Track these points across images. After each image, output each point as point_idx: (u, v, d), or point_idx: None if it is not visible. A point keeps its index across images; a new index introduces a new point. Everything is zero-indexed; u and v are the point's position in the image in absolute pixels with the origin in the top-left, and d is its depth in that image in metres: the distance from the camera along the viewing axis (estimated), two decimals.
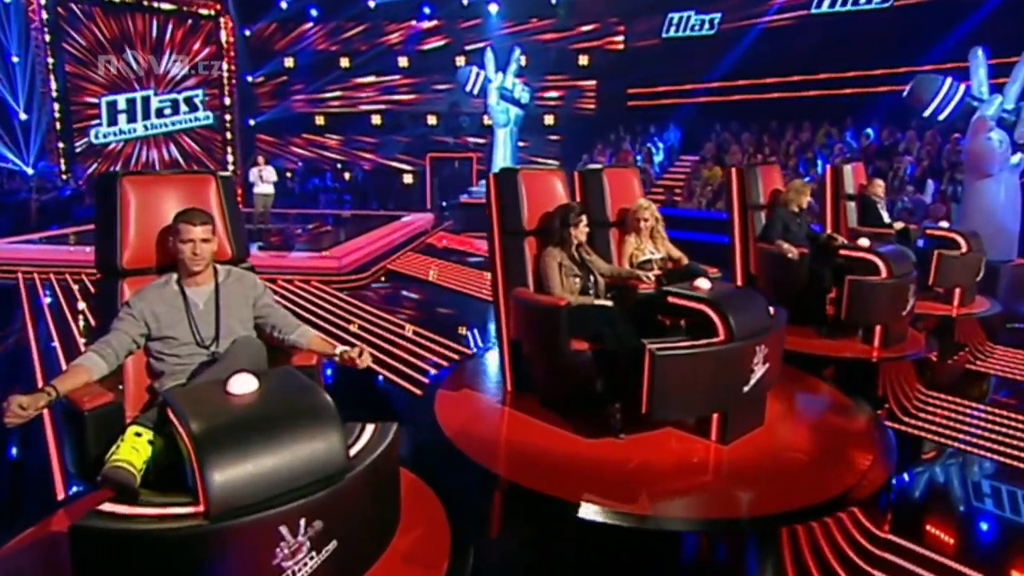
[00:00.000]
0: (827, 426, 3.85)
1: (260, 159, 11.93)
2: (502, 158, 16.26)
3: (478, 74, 15.83)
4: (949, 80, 9.25)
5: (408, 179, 19.05)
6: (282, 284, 8.47)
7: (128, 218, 2.69)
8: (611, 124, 16.65)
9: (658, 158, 14.68)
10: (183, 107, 17.56)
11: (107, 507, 1.95)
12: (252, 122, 18.64)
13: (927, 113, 9.38)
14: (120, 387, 2.60)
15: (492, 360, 5.05)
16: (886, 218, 6.60)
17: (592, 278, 3.95)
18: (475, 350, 5.56)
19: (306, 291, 8.21)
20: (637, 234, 4.45)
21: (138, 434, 2.20)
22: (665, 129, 15.29)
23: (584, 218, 3.95)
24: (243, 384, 2.21)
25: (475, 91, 15.96)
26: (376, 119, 18.91)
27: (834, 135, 12.37)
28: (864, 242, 5.37)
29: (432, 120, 18.72)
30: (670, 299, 3.55)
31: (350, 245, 10.54)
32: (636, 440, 3.47)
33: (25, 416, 2.05)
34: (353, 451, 2.25)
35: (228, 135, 18.25)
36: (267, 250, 10.11)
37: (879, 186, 6.65)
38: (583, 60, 17.46)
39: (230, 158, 18.34)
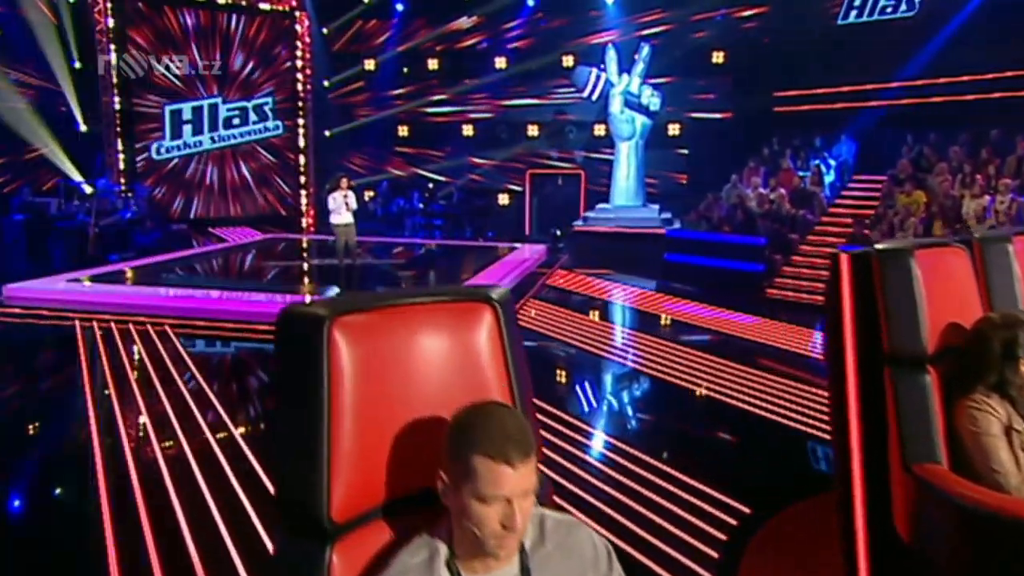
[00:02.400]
0: None
1: (343, 181, 10.88)
2: (625, 177, 14.99)
3: (598, 76, 14.59)
4: None
5: (503, 199, 17.92)
6: None
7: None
8: (752, 134, 15.01)
9: (828, 178, 12.96)
10: (252, 116, 17.07)
11: None
12: (328, 133, 17.91)
13: None
14: None
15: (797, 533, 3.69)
16: None
17: None
18: (753, 510, 4.06)
19: None
20: None
21: None
22: (835, 141, 13.55)
23: None
24: None
25: (594, 96, 14.74)
26: (468, 130, 17.89)
27: None
28: None
29: (532, 130, 17.54)
30: None
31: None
32: None
33: None
34: None
35: (301, 147, 17.67)
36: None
37: None
38: (717, 57, 15.95)
39: (302, 177, 17.73)
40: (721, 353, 7.43)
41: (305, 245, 15.09)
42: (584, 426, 5.47)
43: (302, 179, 17.86)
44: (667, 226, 14.27)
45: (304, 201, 17.82)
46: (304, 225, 17.73)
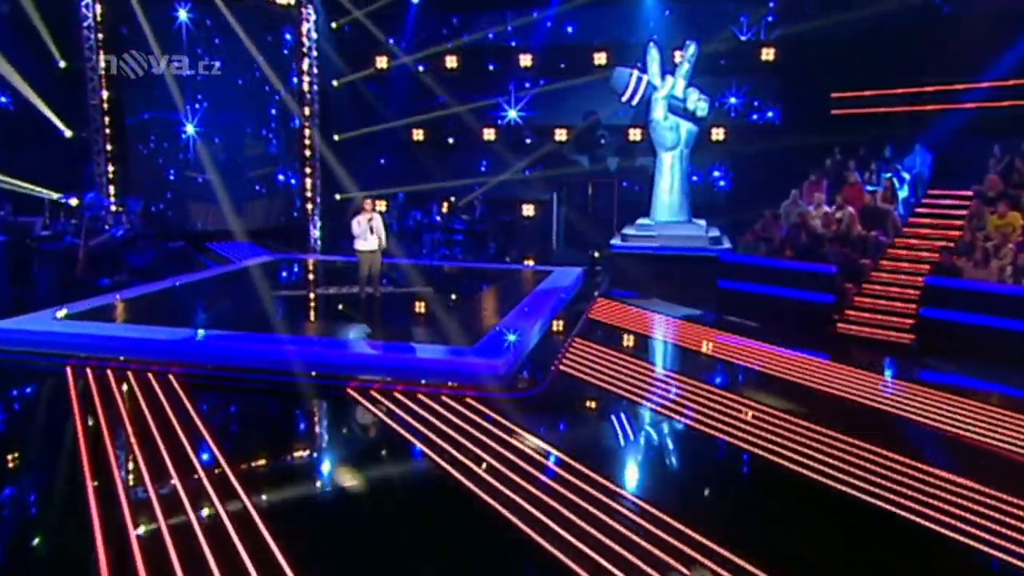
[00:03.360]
0: None
1: (367, 204, 10.32)
2: (668, 190, 14.36)
3: (639, 79, 13.91)
4: None
5: (527, 211, 17.30)
6: (402, 401, 6.90)
7: None
8: (806, 140, 14.39)
9: (902, 194, 12.29)
10: (257, 119, 16.51)
11: None
12: (337, 137, 17.37)
13: None
14: None
15: None
16: None
17: None
18: None
19: (449, 422, 6.44)
20: None
21: None
22: (907, 150, 12.90)
23: None
24: None
25: (634, 101, 14.10)
26: (489, 134, 17.27)
27: None
28: None
29: (560, 134, 16.92)
30: None
31: (497, 328, 8.83)
32: None
33: None
34: None
35: (307, 154, 17.11)
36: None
37: None
38: (766, 53, 15.29)
39: (307, 181, 17.15)
40: (800, 412, 6.87)
41: (317, 268, 14.43)
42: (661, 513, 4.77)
43: (307, 189, 17.31)
44: (716, 245, 13.71)
45: (311, 213, 17.24)
46: (312, 241, 17.16)
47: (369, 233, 10.03)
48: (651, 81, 14.02)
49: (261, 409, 7.42)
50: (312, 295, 11.50)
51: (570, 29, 16.73)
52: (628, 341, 9.80)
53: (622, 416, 6.87)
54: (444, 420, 6.48)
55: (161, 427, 6.19)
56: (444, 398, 6.98)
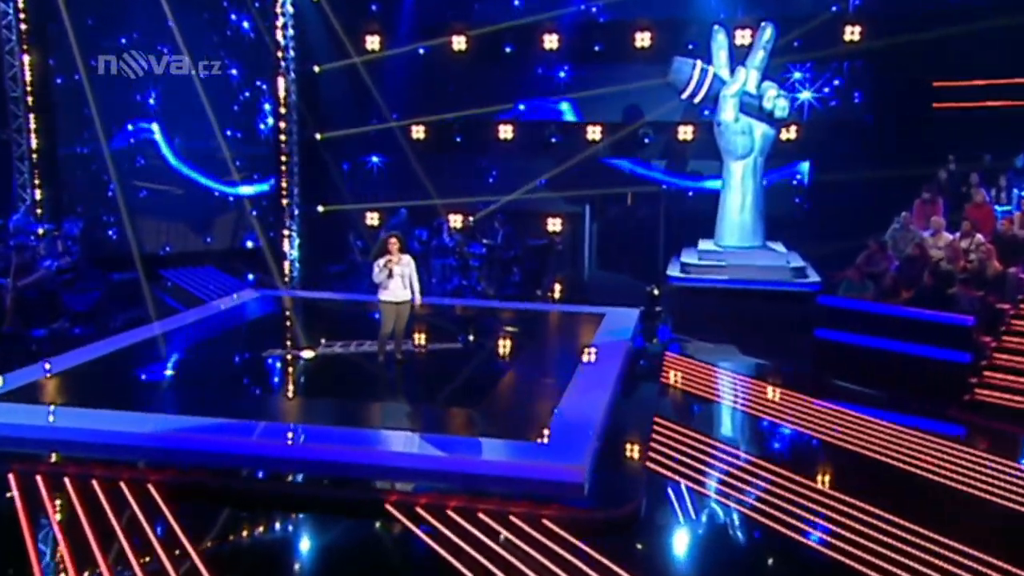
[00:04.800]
0: None
1: (392, 244, 9.31)
2: (738, 209, 13.49)
3: (704, 71, 12.87)
4: None
5: (554, 226, 16.28)
6: (457, 523, 5.99)
7: None
8: (903, 143, 13.79)
9: None
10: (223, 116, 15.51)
11: None
12: (320, 136, 16.32)
13: None
14: None
15: None
16: None
17: None
18: None
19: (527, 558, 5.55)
20: None
21: None
22: None
23: None
24: None
25: (698, 98, 13.22)
26: (506, 132, 16.21)
27: None
28: None
29: (593, 132, 15.93)
30: None
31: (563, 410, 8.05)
32: None
33: None
34: None
35: (283, 157, 15.90)
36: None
37: None
38: (851, 32, 14.26)
39: (283, 191, 15.94)
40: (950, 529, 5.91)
41: (312, 310, 13.30)
42: None
43: (283, 199, 16.07)
44: (801, 279, 12.82)
45: (287, 232, 16.02)
46: (289, 262, 15.92)
47: (390, 279, 9.25)
48: (718, 74, 13.05)
49: (266, 532, 6.44)
50: (310, 354, 10.21)
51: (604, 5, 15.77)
52: (723, 421, 8.92)
53: (746, 538, 6.14)
54: (520, 555, 5.56)
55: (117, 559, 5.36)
56: (513, 518, 6.03)
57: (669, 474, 7.03)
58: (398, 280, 9.29)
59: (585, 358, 9.90)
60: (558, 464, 6.86)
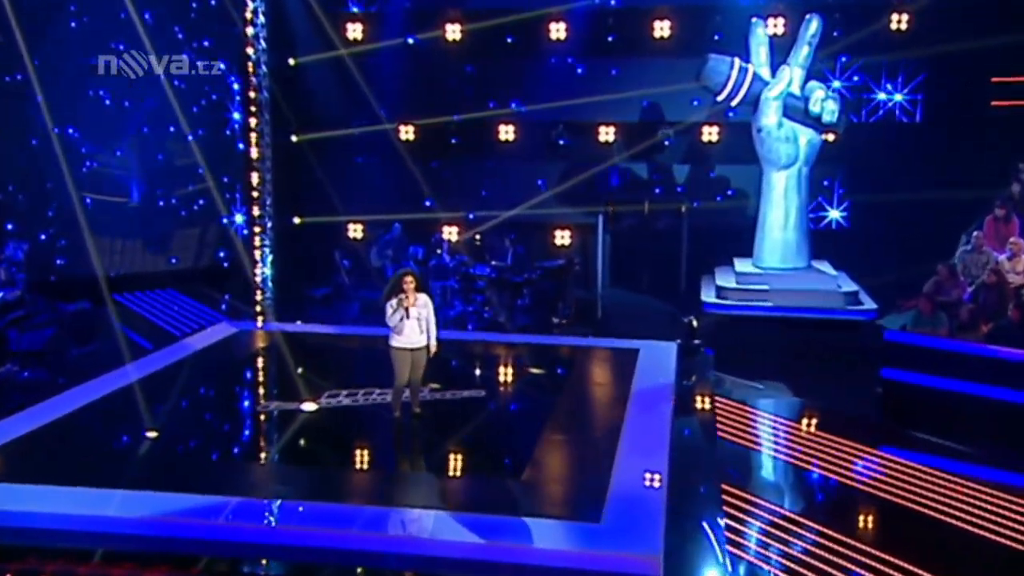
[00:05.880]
0: None
1: (408, 281, 8.81)
2: (781, 225, 13.28)
3: (743, 71, 12.63)
4: None
5: (562, 238, 15.96)
6: None
7: None
8: (955, 144, 13.67)
9: None
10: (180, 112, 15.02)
11: None
12: (295, 138, 15.92)
13: None
14: None
15: None
16: None
17: None
18: None
19: None
20: None
21: None
22: None
23: None
24: None
25: (735, 101, 13.01)
26: (506, 132, 15.89)
27: None
28: None
29: (605, 134, 15.66)
30: None
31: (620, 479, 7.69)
32: None
33: None
34: None
35: (254, 159, 15.27)
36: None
37: None
38: (898, 20, 14.08)
39: (255, 208, 15.34)
40: None
41: (294, 346, 12.62)
42: None
43: (255, 209, 15.41)
44: (853, 304, 12.75)
45: (258, 249, 15.39)
46: (261, 283, 15.29)
47: (407, 322, 8.82)
48: (758, 74, 12.79)
49: None
50: (312, 406, 9.59)
51: None
52: (800, 487, 8.51)
53: None
54: None
55: None
56: None
57: (751, 558, 6.63)
58: (414, 323, 8.86)
59: (629, 407, 9.52)
60: (628, 553, 6.39)
